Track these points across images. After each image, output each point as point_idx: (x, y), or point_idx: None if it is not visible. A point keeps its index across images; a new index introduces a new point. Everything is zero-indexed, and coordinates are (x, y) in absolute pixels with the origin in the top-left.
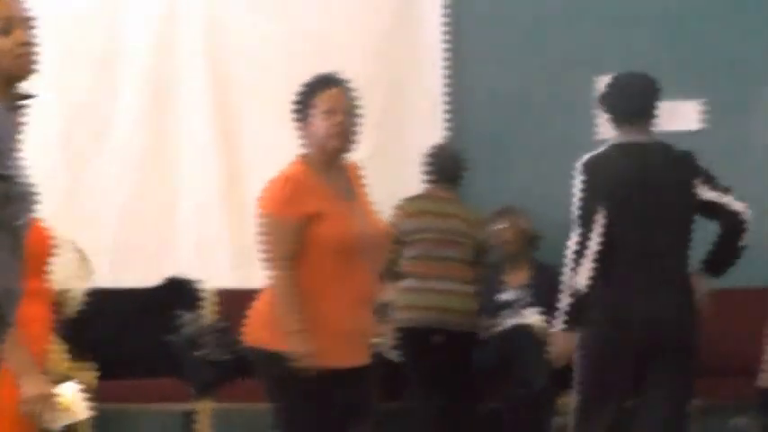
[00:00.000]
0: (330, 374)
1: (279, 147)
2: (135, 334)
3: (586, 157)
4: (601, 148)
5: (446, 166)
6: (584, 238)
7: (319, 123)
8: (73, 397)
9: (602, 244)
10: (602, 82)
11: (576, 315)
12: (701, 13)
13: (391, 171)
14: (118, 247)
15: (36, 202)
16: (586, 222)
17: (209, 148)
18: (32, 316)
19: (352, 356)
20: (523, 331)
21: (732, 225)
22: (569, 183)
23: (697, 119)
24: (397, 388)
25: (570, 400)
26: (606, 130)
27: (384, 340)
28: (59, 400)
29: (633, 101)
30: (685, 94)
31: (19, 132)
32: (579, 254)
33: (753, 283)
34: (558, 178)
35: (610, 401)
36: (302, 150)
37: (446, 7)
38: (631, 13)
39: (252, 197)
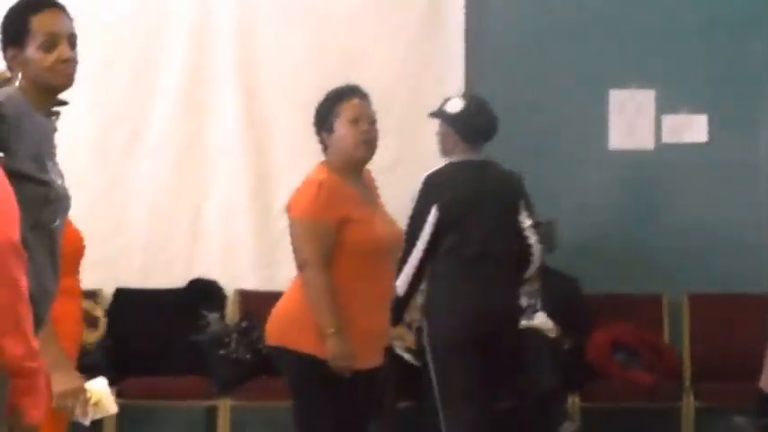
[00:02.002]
0: (354, 375)
1: (306, 152)
2: (161, 333)
3: (428, 173)
4: (441, 166)
5: None
6: (410, 246)
7: (345, 132)
8: (103, 392)
9: (425, 252)
10: (616, 95)
11: (396, 315)
12: (710, 27)
13: (411, 180)
14: (147, 249)
15: (70, 205)
16: (415, 232)
17: (238, 154)
18: (65, 313)
19: (372, 358)
20: (533, 333)
21: (523, 254)
22: (583, 194)
23: (704, 132)
24: (413, 387)
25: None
26: (617, 141)
27: (400, 342)
28: (90, 394)
29: (485, 124)
30: (695, 108)
31: (54, 138)
32: (402, 260)
33: (758, 289)
34: (571, 189)
35: (468, 392)
36: (325, 157)
37: (467, 19)
38: (644, 28)
39: (278, 201)
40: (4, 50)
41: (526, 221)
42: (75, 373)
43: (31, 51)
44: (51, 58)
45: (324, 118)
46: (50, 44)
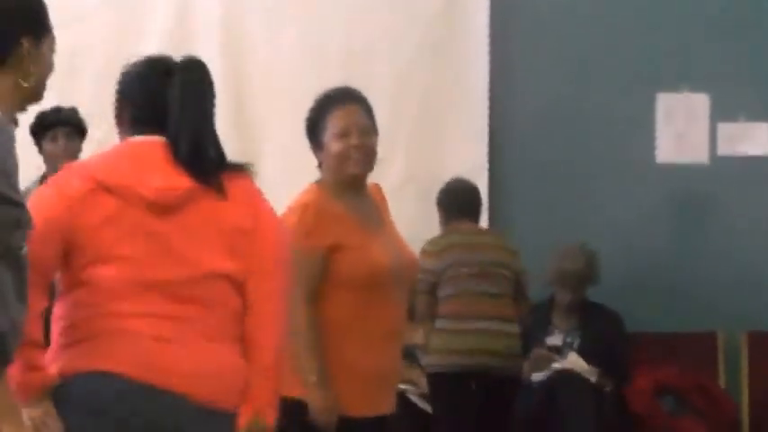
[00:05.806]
0: (355, 424)
1: (303, 167)
2: None
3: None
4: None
5: (466, 200)
6: None
7: (333, 147)
8: None
9: None
10: (664, 100)
11: None
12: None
13: (424, 202)
14: None
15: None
16: None
17: None
18: None
19: (377, 404)
20: (570, 377)
21: None
22: (626, 214)
23: (766, 142)
24: None
25: None
26: (666, 153)
27: (414, 387)
28: None
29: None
30: (755, 115)
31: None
32: None
33: None
34: (612, 209)
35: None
36: (319, 176)
37: (491, 13)
38: (696, 22)
39: None
40: None
41: None
42: (25, 421)
43: None
44: None
45: (312, 131)
46: None
